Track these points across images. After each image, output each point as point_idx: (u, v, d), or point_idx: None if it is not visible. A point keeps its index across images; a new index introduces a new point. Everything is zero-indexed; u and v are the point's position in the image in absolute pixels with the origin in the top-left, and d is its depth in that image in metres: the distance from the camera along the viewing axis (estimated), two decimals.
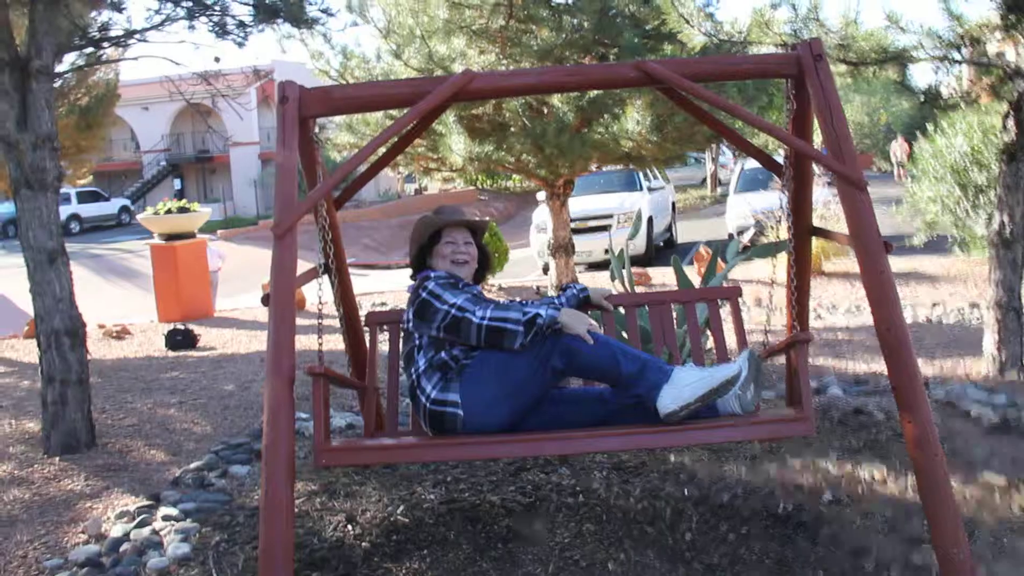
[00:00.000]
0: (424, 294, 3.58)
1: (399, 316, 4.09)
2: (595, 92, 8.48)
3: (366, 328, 4.30)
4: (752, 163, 19.41)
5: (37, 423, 6.08)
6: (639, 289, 4.87)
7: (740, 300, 4.44)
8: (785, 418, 3.43)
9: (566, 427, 3.45)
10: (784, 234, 4.25)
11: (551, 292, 10.46)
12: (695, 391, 3.19)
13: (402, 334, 3.88)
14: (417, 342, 3.64)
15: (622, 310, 4.47)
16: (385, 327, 4.35)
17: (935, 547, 3.08)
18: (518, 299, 4.26)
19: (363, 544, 3.79)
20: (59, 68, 5.98)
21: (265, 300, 3.24)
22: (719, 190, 33.11)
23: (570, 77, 3.78)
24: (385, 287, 15.43)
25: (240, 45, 6.26)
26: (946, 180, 12.14)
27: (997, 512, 3.81)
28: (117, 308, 15.89)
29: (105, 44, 6.29)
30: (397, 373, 4.16)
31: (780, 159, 4.22)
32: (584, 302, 4.13)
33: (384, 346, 4.82)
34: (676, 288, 4.47)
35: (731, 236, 15.64)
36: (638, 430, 3.29)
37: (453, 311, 3.46)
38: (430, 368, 3.55)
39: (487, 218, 4.27)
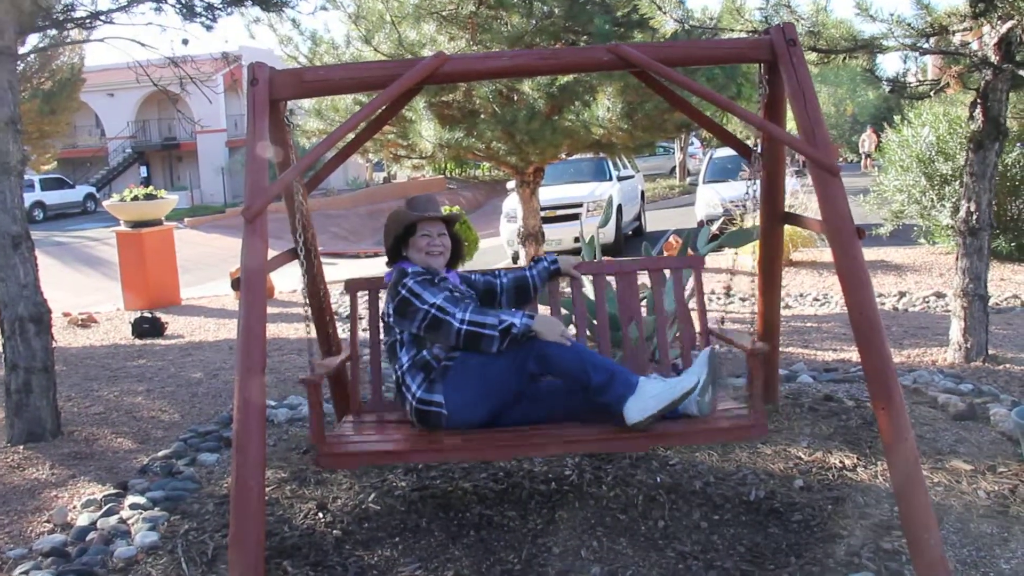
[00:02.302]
0: (404, 292, 3.69)
1: (377, 283, 4.26)
2: (565, 79, 8.45)
3: (346, 294, 4.37)
4: (721, 153, 19.49)
5: (0, 411, 5.98)
6: (609, 278, 4.89)
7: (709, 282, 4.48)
8: (739, 425, 3.59)
9: (543, 419, 3.69)
10: (755, 223, 4.28)
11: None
12: (658, 403, 3.42)
13: (383, 324, 3.95)
14: (398, 337, 3.79)
15: (591, 296, 4.49)
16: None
17: (905, 532, 3.10)
18: (497, 267, 4.32)
19: (334, 532, 3.76)
20: (22, 50, 5.87)
21: (235, 285, 3.21)
22: (688, 180, 33.23)
23: (543, 61, 3.76)
24: (354, 275, 15.35)
25: (208, 28, 6.16)
26: (912, 170, 12.26)
27: (964, 498, 3.84)
28: (83, 296, 15.70)
29: (70, 25, 6.18)
30: (378, 342, 4.21)
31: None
32: (555, 273, 4.28)
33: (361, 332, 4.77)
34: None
35: (700, 224, 15.70)
36: (608, 436, 3.53)
37: (433, 311, 3.62)
38: (413, 367, 3.73)
39: (456, 207, 4.29)
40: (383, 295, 4.08)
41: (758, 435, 3.64)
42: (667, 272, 4.56)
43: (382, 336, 4.03)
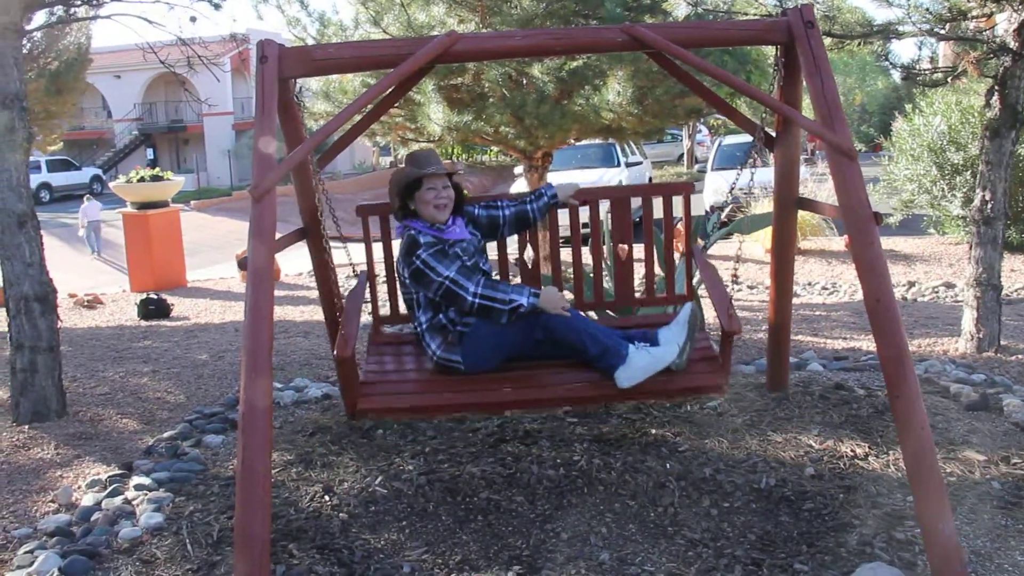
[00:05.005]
0: (418, 263, 3.94)
1: (387, 209, 4.48)
2: (575, 63, 8.38)
3: (358, 217, 4.66)
4: (729, 140, 19.37)
5: (5, 391, 5.96)
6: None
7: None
8: (702, 385, 3.89)
9: (551, 356, 4.05)
10: (764, 210, 4.23)
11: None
12: (645, 373, 3.78)
13: (398, 280, 4.23)
14: (415, 296, 4.10)
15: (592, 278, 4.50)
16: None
17: (920, 521, 3.05)
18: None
19: (340, 515, 3.73)
20: (28, 27, 5.81)
21: (242, 264, 3.16)
22: (696, 167, 33.11)
23: (557, 40, 3.69)
24: (359, 259, 15.31)
25: (216, 6, 6.10)
26: (923, 159, 12.15)
27: (977, 488, 3.80)
28: (88, 278, 15.69)
29: (77, 2, 6.11)
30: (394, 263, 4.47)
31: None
32: (554, 204, 4.56)
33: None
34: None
35: (707, 213, 15.63)
36: (594, 391, 3.88)
37: (447, 283, 3.90)
38: (432, 328, 4.08)
39: (464, 191, 4.28)
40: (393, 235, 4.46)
41: (718, 394, 4.34)
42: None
43: (398, 288, 4.30)
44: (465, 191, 4.34)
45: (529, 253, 4.83)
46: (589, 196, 4.69)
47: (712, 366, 3.96)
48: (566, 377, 3.96)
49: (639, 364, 3.80)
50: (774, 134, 4.20)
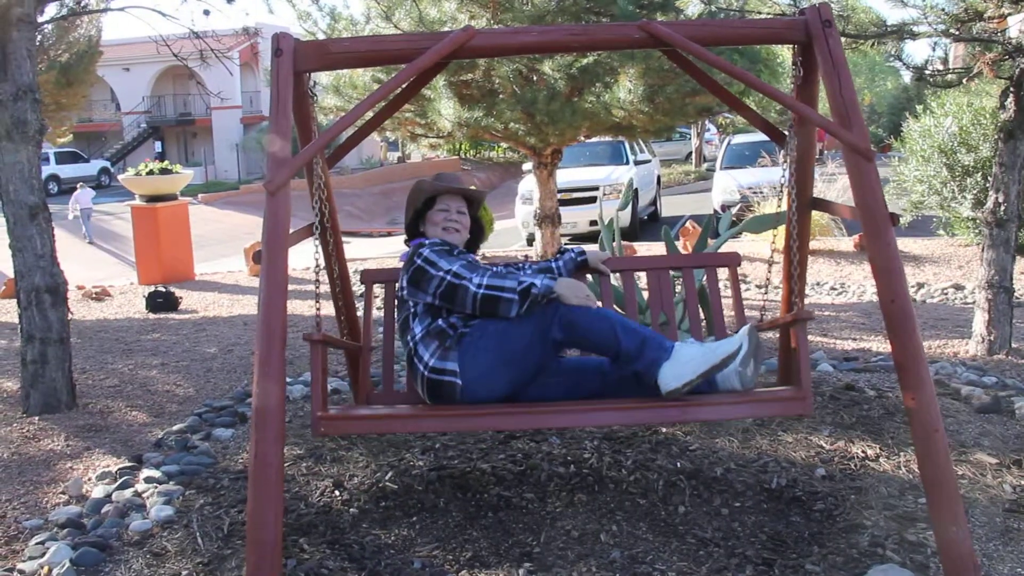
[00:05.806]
0: (419, 261, 3.56)
1: (394, 275, 4.05)
2: (587, 60, 8.38)
3: (361, 285, 4.23)
4: (739, 139, 19.33)
5: (15, 382, 5.97)
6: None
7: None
8: (784, 397, 3.39)
9: (564, 398, 3.49)
10: (775, 208, 4.20)
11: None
12: (696, 368, 3.13)
13: (397, 301, 3.82)
14: (412, 309, 3.62)
15: (618, 283, 4.41)
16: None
17: (933, 523, 3.04)
18: (521, 257, 4.21)
19: (351, 510, 3.73)
20: (41, 19, 5.82)
21: (256, 258, 3.14)
22: (704, 166, 33.08)
23: (573, 37, 3.67)
24: (367, 254, 15.33)
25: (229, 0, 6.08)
26: (933, 161, 12.10)
27: (989, 491, 3.78)
28: (96, 270, 15.72)
29: None
30: (392, 333, 4.09)
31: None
32: (581, 266, 4.09)
33: (376, 314, 4.71)
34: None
35: (716, 212, 15.61)
36: (637, 405, 3.27)
37: (448, 277, 3.46)
38: (427, 335, 3.52)
39: (472, 187, 4.15)
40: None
41: (805, 411, 3.19)
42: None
43: (396, 313, 3.88)
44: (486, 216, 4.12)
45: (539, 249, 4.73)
46: (622, 266, 4.31)
47: (792, 390, 3.41)
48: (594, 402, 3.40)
49: (688, 356, 3.14)
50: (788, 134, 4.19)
